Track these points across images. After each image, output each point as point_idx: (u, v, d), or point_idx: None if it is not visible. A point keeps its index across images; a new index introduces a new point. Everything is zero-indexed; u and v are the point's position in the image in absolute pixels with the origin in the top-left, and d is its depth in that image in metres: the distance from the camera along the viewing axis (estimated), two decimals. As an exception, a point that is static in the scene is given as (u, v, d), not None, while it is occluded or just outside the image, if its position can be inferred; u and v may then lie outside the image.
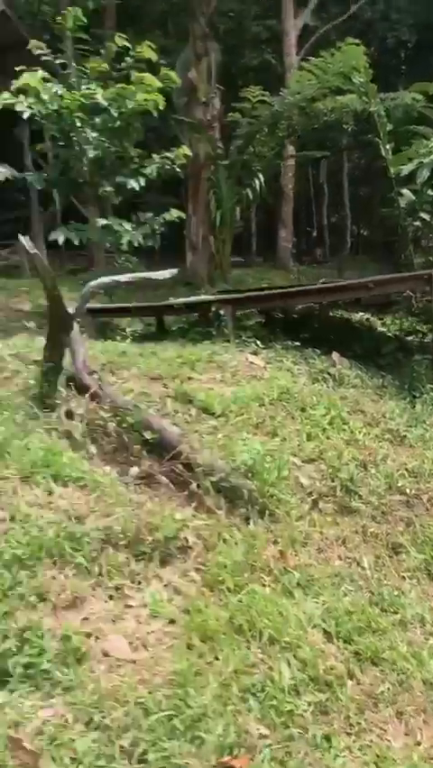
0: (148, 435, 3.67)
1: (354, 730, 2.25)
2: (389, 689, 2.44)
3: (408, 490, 3.88)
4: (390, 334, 6.96)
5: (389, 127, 7.32)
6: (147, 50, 6.93)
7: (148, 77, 6.69)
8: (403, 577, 3.20)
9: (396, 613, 2.89)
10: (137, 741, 1.99)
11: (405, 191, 7.37)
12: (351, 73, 8.86)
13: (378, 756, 2.15)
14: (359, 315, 7.39)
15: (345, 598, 2.76)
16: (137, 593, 2.72)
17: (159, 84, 6.72)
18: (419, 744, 2.27)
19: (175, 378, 4.74)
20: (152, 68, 7.02)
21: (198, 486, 3.37)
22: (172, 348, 5.69)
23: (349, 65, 8.89)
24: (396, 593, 3.03)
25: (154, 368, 4.91)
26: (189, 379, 4.80)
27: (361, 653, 2.57)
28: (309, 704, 2.17)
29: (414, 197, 7.26)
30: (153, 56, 6.94)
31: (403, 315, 7.30)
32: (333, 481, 3.70)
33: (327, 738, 2.05)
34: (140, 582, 2.77)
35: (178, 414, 4.22)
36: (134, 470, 3.62)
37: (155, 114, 7.01)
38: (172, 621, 2.55)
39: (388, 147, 7.31)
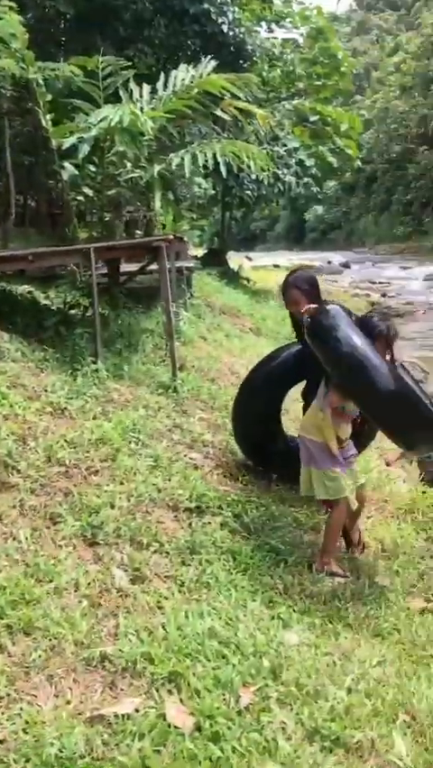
0: None
1: (4, 702, 2.27)
2: (40, 655, 2.51)
3: (67, 461, 3.96)
4: (53, 308, 6.98)
5: (48, 97, 7.25)
6: None
7: None
8: (60, 546, 3.28)
9: (51, 581, 2.95)
10: None
11: (67, 165, 7.36)
12: (8, 38, 8.57)
13: (27, 722, 2.20)
14: (22, 288, 7.28)
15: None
16: None
17: None
18: (68, 702, 2.37)
19: None
20: None
21: None
22: None
23: (5, 30, 8.59)
24: (52, 562, 3.09)
25: None
26: None
27: (13, 625, 2.60)
28: None
29: (76, 172, 7.30)
30: None
31: (67, 289, 7.37)
32: (-11, 457, 3.63)
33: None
34: None
35: None
36: None
37: None
38: None
39: (48, 117, 7.23)
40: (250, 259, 35.51)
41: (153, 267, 7.40)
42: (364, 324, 3.79)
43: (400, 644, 3.17)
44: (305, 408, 4.25)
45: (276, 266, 32.84)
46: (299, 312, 3.98)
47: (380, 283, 31.08)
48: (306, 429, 3.98)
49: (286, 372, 4.81)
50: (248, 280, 18.58)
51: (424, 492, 5.14)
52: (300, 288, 4.11)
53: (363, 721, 2.47)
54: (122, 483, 4.02)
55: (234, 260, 25.25)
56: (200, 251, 20.70)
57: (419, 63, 55.14)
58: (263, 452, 4.89)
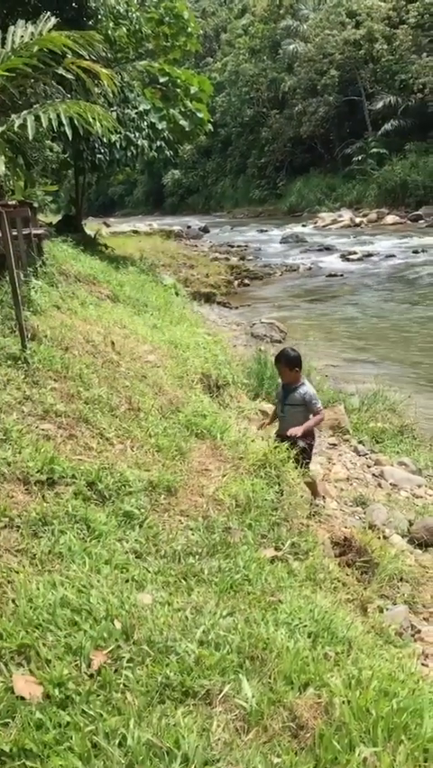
0: None
1: None
2: None
3: None
4: None
5: None
6: None
7: None
8: None
9: None
10: None
11: None
12: None
13: None
14: None
15: None
16: None
17: None
18: None
19: None
20: None
21: None
22: None
23: None
24: None
25: None
26: None
27: None
28: None
29: None
30: None
31: None
32: None
33: None
34: None
35: None
36: None
37: None
38: None
39: None
40: (108, 225, 34.95)
41: (-2, 234, 7.11)
42: None
43: (251, 593, 3.29)
44: None
45: (135, 232, 32.58)
46: None
47: (238, 247, 31.57)
48: None
49: None
50: (106, 247, 18.28)
51: (276, 447, 5.32)
52: None
53: (213, 670, 2.57)
54: (-32, 460, 3.89)
55: (92, 226, 24.79)
56: (57, 218, 20.12)
57: (266, 26, 55.69)
58: None
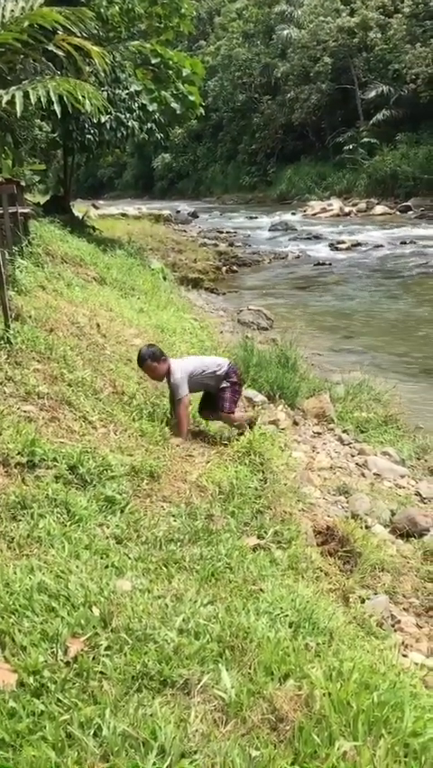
0: None
1: None
2: None
3: None
4: None
5: None
6: None
7: None
8: None
9: None
10: None
11: None
12: None
13: None
14: None
15: None
16: None
17: None
18: None
19: None
20: None
21: None
22: None
23: None
24: None
25: None
26: None
27: None
28: None
29: None
30: None
31: None
32: None
33: None
34: None
35: None
36: None
37: None
38: None
39: None
40: (97, 207, 34.63)
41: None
42: None
43: (232, 581, 3.25)
44: None
45: (124, 215, 32.29)
46: None
47: (227, 233, 31.39)
48: None
49: None
50: (94, 229, 18.09)
51: (262, 434, 5.27)
52: None
53: (192, 659, 2.52)
54: None
55: (81, 207, 24.54)
56: (45, 199, 19.87)
57: (260, 11, 55.15)
58: None
